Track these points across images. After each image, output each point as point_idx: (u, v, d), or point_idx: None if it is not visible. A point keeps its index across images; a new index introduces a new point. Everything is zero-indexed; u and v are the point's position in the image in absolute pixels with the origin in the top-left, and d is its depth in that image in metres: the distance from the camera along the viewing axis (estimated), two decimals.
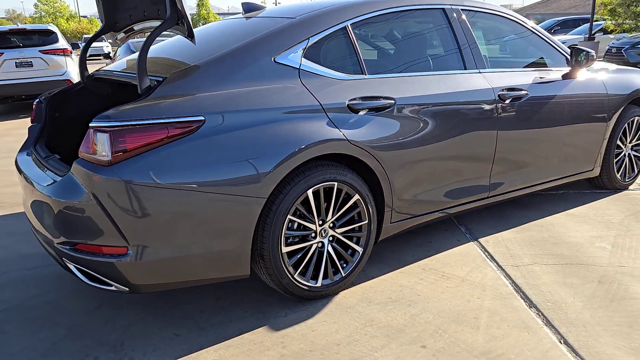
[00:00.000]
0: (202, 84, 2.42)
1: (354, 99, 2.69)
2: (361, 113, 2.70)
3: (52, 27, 11.15)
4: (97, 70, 3.37)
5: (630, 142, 4.29)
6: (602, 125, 3.91)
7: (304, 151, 2.46)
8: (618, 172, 4.26)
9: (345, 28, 2.84)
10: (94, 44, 33.82)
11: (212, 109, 2.34)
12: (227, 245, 2.39)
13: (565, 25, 21.68)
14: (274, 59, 2.61)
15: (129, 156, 2.18)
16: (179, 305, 2.76)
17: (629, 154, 4.32)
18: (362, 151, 2.67)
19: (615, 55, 14.20)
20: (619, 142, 4.17)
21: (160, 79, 2.43)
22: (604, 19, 19.35)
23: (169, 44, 3.36)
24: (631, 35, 15.36)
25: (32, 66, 10.49)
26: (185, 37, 2.56)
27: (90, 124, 2.23)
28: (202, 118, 2.30)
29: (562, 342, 2.32)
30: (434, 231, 3.54)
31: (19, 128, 8.94)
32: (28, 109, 11.55)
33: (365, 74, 2.82)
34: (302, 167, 2.52)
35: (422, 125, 2.91)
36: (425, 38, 3.31)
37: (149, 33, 2.66)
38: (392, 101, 2.80)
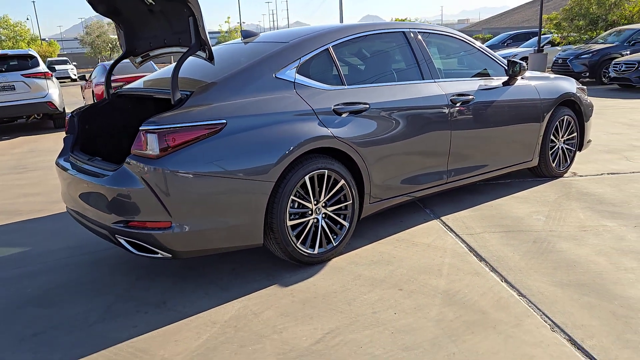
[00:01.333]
0: (221, 95, 3.13)
1: (338, 104, 3.43)
2: (344, 115, 3.44)
3: (33, 52, 11.62)
4: (119, 89, 4.03)
5: (562, 137, 5.16)
6: (537, 124, 4.76)
7: (302, 145, 3.18)
8: (553, 162, 5.11)
9: (327, 49, 3.59)
10: (61, 67, 33.92)
11: (231, 114, 3.04)
12: (246, 220, 3.08)
13: (517, 39, 23.15)
14: (274, 75, 3.33)
15: (171, 151, 2.86)
16: (202, 274, 3.42)
17: (561, 147, 5.18)
18: (346, 145, 3.41)
19: (562, 66, 15.46)
20: (553, 137, 5.03)
21: (188, 93, 3.11)
22: (551, 32, 20.80)
23: (189, 64, 4.04)
24: (575, 47, 16.69)
25: (15, 89, 10.92)
26: (206, 59, 3.25)
27: (140, 128, 2.90)
28: (224, 121, 3.00)
29: (503, 280, 3.09)
30: (404, 212, 4.29)
31: (9, 148, 9.39)
32: (11, 131, 11.94)
33: (345, 85, 3.57)
34: (300, 158, 3.23)
35: (391, 124, 3.67)
36: (391, 55, 4.09)
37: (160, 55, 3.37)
38: (367, 105, 3.55)
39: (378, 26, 3.98)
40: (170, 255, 2.99)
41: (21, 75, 10.96)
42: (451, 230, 3.93)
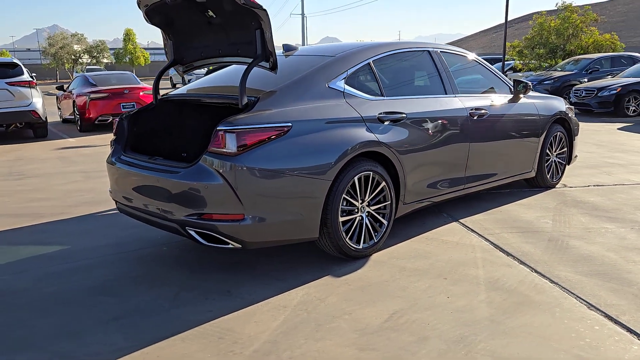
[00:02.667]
0: (284, 101, 3.44)
1: (381, 113, 3.79)
2: (386, 123, 3.80)
3: (17, 61, 11.52)
4: (165, 95, 4.26)
5: (555, 152, 5.68)
6: (536, 138, 5.26)
7: (355, 149, 3.52)
8: (548, 174, 5.62)
9: (369, 63, 3.96)
10: None
11: (295, 118, 3.34)
12: (307, 214, 3.37)
13: None
14: (327, 85, 3.67)
15: (247, 150, 3.14)
16: (254, 267, 3.67)
17: (554, 160, 5.70)
18: (388, 150, 3.76)
19: None
20: (547, 151, 5.54)
21: (253, 98, 3.40)
22: (513, 59, 22.02)
23: (226, 74, 4.33)
24: (536, 73, 17.77)
25: None
26: (268, 69, 3.55)
27: (217, 128, 3.17)
28: (290, 124, 3.30)
29: (533, 271, 3.48)
30: (425, 216, 4.66)
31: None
32: None
33: (384, 96, 3.94)
34: (352, 160, 3.56)
35: (422, 133, 4.06)
36: (419, 71, 4.49)
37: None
38: (404, 115, 3.93)
39: (407, 45, 4.38)
40: (240, 246, 3.24)
41: (5, 83, 10.84)
42: (472, 230, 4.32)
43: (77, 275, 3.67)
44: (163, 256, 4.00)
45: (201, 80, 4.47)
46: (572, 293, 3.15)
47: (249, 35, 3.51)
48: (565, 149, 5.81)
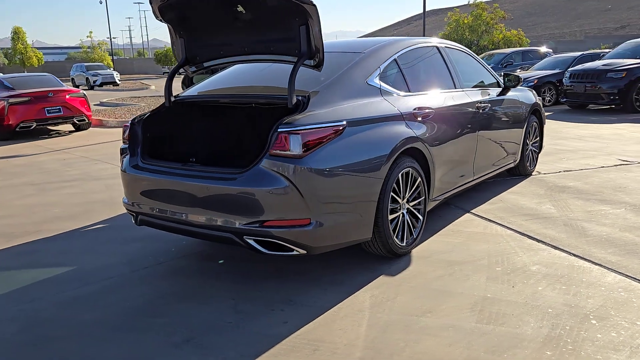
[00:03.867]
0: (333, 99, 3.33)
1: (415, 109, 3.79)
2: (419, 119, 3.80)
3: None
4: (177, 96, 3.97)
5: (531, 141, 6.00)
6: (520, 129, 5.53)
7: (401, 145, 3.49)
8: (527, 162, 5.93)
9: (395, 59, 3.94)
10: None
11: (347, 117, 3.25)
12: (364, 214, 3.29)
13: None
14: (366, 81, 3.60)
15: (311, 151, 3.01)
16: (303, 273, 3.53)
17: (531, 149, 6.02)
18: (423, 145, 3.77)
19: None
20: (526, 140, 5.84)
21: (301, 98, 3.26)
22: None
23: (240, 74, 4.12)
24: None
25: None
26: (312, 67, 3.41)
27: (279, 130, 3.00)
28: (344, 123, 3.21)
29: (571, 254, 3.65)
30: (439, 211, 4.73)
31: None
32: None
33: (410, 92, 3.94)
34: (397, 157, 3.53)
35: (445, 127, 4.11)
36: (433, 66, 4.53)
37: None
38: (433, 110, 3.95)
39: (421, 40, 4.42)
40: (305, 252, 3.10)
41: None
42: (489, 220, 4.45)
43: (108, 297, 3.33)
44: (189, 269, 3.74)
45: (210, 82, 4.21)
46: (614, 270, 3.35)
47: (288, 31, 3.36)
48: (538, 138, 6.16)
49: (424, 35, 18.76)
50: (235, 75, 4.22)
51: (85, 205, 5.56)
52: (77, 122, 12.08)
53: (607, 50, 18.00)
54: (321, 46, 3.27)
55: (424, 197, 3.87)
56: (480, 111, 4.66)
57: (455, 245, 3.92)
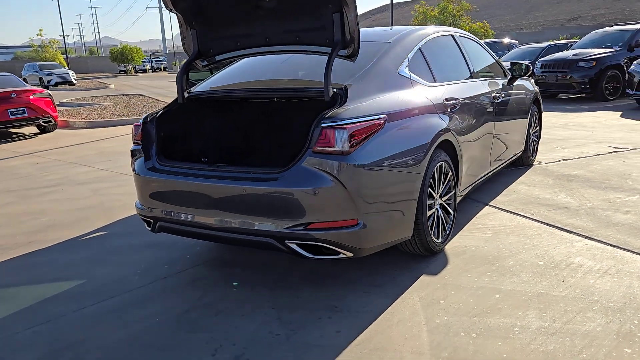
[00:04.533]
0: (369, 91, 3.15)
1: (446, 99, 3.64)
2: (448, 110, 3.66)
3: None
4: (190, 92, 3.70)
5: (533, 130, 5.97)
6: (525, 118, 5.47)
7: (437, 137, 3.34)
8: (530, 152, 5.89)
9: (420, 49, 3.78)
10: None
11: (386, 109, 3.07)
12: (406, 212, 3.13)
13: None
14: (397, 72, 3.43)
15: (357, 146, 2.82)
16: (337, 277, 3.34)
17: (532, 138, 5.99)
18: (453, 137, 3.63)
19: None
20: (530, 130, 5.80)
21: (337, 89, 3.06)
22: None
23: (254, 68, 3.88)
24: None
25: None
26: (344, 57, 3.20)
27: (323, 124, 2.79)
28: (385, 115, 3.03)
29: (610, 245, 3.59)
30: (459, 205, 4.59)
31: None
32: None
33: (435, 82, 3.79)
34: (434, 150, 3.37)
35: (469, 118, 3.99)
36: (452, 56, 4.40)
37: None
38: (459, 101, 3.82)
39: (439, 29, 4.27)
40: (352, 255, 2.91)
41: None
42: (512, 212, 4.36)
43: (134, 312, 3.06)
44: (213, 277, 3.48)
45: (222, 77, 3.95)
46: None
47: (319, 19, 3.15)
48: (538, 127, 6.14)
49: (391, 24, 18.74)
50: (250, 69, 3.98)
51: (75, 213, 5.19)
52: (42, 124, 11.46)
53: (566, 41, 18.41)
54: (357, 35, 3.07)
55: (453, 192, 3.74)
56: (496, 101, 4.56)
57: (486, 240, 3.80)
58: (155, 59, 62.22)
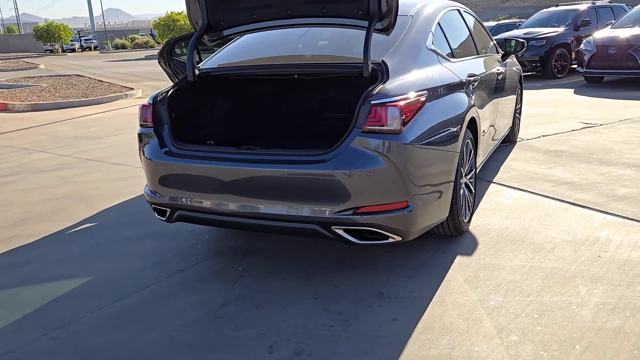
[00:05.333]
0: (406, 67, 2.99)
1: (469, 75, 3.54)
2: (471, 86, 3.56)
3: None
4: (200, 69, 3.41)
5: (517, 106, 6.02)
6: (514, 95, 5.50)
7: (468, 113, 3.24)
8: (516, 128, 5.95)
9: (439, 23, 3.65)
10: None
11: (425, 85, 2.93)
12: (445, 192, 3.02)
13: None
14: (426, 46, 3.28)
15: (408, 124, 2.66)
16: (372, 262, 3.20)
17: (516, 115, 6.05)
18: (477, 114, 3.54)
19: None
20: (516, 106, 5.85)
21: (376, 65, 2.88)
22: None
23: (265, 43, 3.62)
24: None
25: None
26: (378, 31, 3.01)
27: (372, 101, 2.61)
28: (426, 91, 2.88)
29: (625, 218, 3.64)
30: None
31: None
32: None
33: (454, 58, 3.68)
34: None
35: (484, 94, 3.92)
36: (461, 31, 4.28)
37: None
38: (478, 77, 3.73)
39: (447, 3, 4.14)
40: (401, 239, 2.77)
41: None
42: (519, 189, 4.36)
43: (159, 311, 2.80)
44: (234, 268, 3.25)
45: (231, 53, 3.66)
46: None
47: None
48: (520, 104, 6.20)
49: None
50: (261, 44, 3.71)
51: (49, 204, 4.75)
52: None
53: (515, 20, 18.91)
54: (395, 6, 2.89)
55: (474, 170, 3.67)
56: (499, 78, 4.52)
57: (506, 217, 3.77)
58: (84, 38, 58.98)
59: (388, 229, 2.71)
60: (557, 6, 15.18)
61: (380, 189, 2.64)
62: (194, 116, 3.36)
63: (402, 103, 2.65)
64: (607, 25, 12.46)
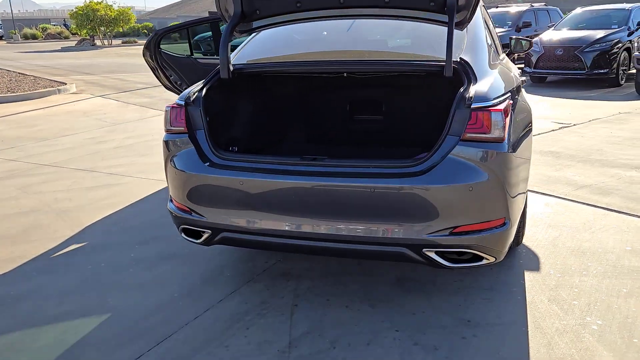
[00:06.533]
0: (483, 65, 2.72)
1: (519, 75, 3.31)
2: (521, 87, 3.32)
3: None
4: (234, 65, 2.93)
5: None
6: None
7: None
8: None
9: (482, 15, 3.37)
10: None
11: (506, 87, 2.64)
12: (523, 203, 2.76)
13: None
14: (487, 42, 3.00)
15: (507, 131, 2.36)
16: (432, 281, 2.88)
17: None
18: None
19: None
20: None
21: (456, 65, 2.56)
22: None
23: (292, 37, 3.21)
24: None
25: None
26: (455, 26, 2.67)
27: (474, 106, 2.28)
28: (509, 93, 2.60)
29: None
30: None
31: None
32: None
33: (500, 57, 3.43)
34: None
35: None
36: (490, 26, 4.03)
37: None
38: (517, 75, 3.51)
39: None
40: (494, 260, 2.46)
41: None
42: (543, 194, 4.21)
43: (221, 355, 2.31)
44: (282, 297, 2.82)
45: (263, 47, 3.19)
46: None
47: None
48: None
49: None
50: (296, 39, 3.26)
51: (16, 219, 4.04)
52: None
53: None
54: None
55: None
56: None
57: (549, 226, 3.58)
58: None
59: (484, 250, 2.39)
60: (497, 7, 15.54)
61: (480, 205, 2.32)
62: (230, 120, 2.88)
63: (502, 107, 2.34)
64: (549, 27, 12.88)
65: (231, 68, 2.86)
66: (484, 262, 2.44)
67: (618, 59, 10.49)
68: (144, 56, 4.42)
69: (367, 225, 2.36)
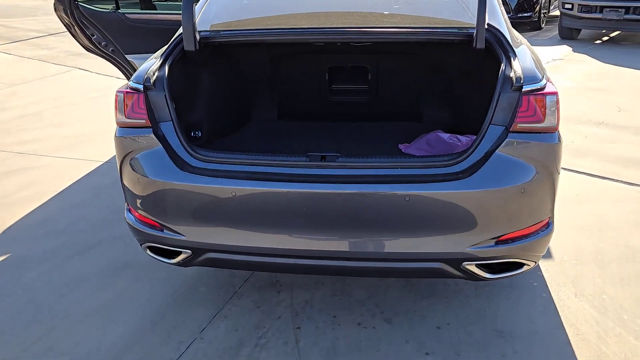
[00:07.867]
0: (514, 38, 2.28)
1: None
2: None
3: None
4: (208, 33, 2.29)
5: None
6: None
7: None
8: None
9: None
10: None
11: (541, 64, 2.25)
12: None
13: None
14: (503, 15, 2.56)
15: (558, 116, 1.97)
16: (445, 289, 2.55)
17: None
18: None
19: None
20: None
21: (488, 35, 2.12)
22: None
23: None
24: None
25: None
26: None
27: (523, 89, 1.86)
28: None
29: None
30: None
31: None
32: None
33: None
34: None
35: None
36: None
37: None
38: None
39: None
40: (534, 264, 2.13)
41: None
42: (570, 170, 3.94)
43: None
44: (283, 319, 2.37)
45: (224, 11, 2.53)
46: None
47: None
48: None
49: None
50: (283, 2, 2.62)
51: None
52: None
53: None
54: None
55: None
56: None
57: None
58: None
59: (527, 256, 2.05)
60: None
61: (530, 208, 1.96)
62: (193, 101, 2.27)
63: (554, 88, 1.94)
64: None
65: (198, 37, 2.22)
66: (525, 268, 2.11)
67: (540, 1, 10.49)
68: (55, 11, 3.56)
69: (395, 239, 1.92)
